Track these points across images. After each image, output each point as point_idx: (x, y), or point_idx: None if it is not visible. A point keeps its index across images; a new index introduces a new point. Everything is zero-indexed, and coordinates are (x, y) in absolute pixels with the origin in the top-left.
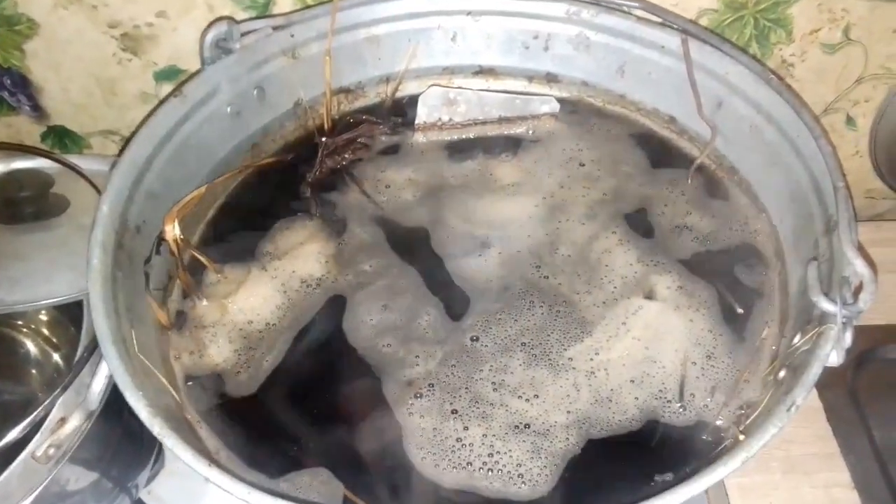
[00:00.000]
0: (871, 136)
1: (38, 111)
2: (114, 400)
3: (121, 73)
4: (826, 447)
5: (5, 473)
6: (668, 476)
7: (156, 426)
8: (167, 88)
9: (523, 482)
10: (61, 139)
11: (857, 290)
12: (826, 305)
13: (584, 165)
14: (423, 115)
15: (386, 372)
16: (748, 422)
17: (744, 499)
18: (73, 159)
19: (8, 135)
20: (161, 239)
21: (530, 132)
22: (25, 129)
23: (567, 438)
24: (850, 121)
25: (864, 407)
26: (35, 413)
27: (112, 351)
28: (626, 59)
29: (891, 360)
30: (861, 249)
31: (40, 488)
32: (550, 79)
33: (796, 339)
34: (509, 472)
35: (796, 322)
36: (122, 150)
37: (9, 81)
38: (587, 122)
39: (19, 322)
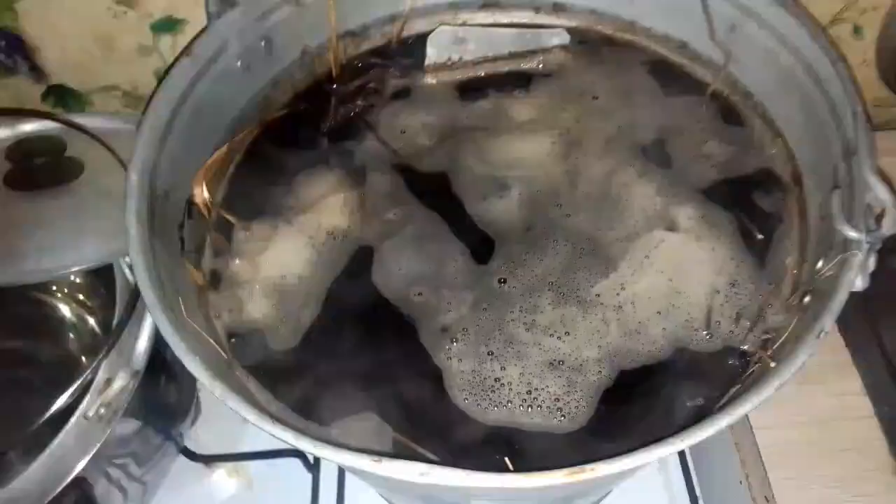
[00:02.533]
0: (878, 43)
1: (35, 72)
2: (153, 356)
3: (117, 27)
4: (838, 356)
5: (61, 434)
6: (700, 401)
7: (217, 389)
8: (165, 40)
9: (562, 415)
10: (62, 98)
11: (880, 216)
12: (851, 233)
13: (597, 98)
14: (432, 55)
15: (421, 320)
16: (775, 346)
17: (760, 410)
18: (78, 119)
19: (7, 97)
20: (191, 203)
21: (541, 66)
22: (25, 90)
23: (600, 371)
24: (857, 30)
25: (875, 315)
26: (83, 376)
27: (163, 319)
28: None
29: None
30: (881, 173)
31: (98, 445)
32: (558, 8)
33: (819, 265)
34: (548, 406)
35: (817, 246)
36: (142, 115)
37: (3, 43)
38: (598, 53)
39: (52, 287)
